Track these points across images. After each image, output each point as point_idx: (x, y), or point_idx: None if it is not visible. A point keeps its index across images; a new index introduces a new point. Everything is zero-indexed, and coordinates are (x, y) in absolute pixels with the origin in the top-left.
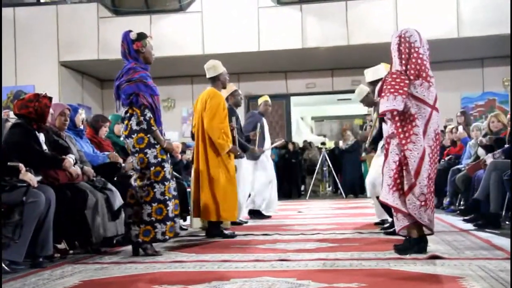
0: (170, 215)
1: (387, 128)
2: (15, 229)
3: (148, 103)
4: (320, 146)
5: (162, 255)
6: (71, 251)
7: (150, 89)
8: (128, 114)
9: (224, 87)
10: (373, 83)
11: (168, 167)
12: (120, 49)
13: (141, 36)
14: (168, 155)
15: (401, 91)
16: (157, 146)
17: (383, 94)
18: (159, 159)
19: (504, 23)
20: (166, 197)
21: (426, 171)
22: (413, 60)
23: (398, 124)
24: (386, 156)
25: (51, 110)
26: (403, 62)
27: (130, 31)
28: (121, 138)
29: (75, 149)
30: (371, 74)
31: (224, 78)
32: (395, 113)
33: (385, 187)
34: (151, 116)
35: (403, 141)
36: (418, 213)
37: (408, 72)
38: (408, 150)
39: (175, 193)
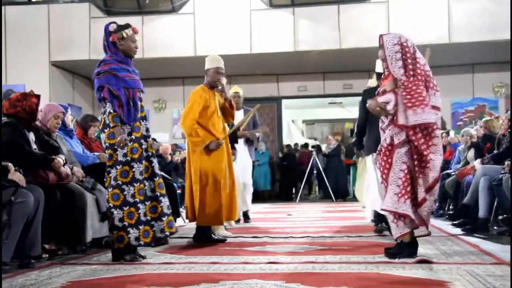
0: (143, 218)
1: (389, 136)
2: (3, 229)
3: (115, 96)
4: (310, 149)
5: (141, 261)
6: (59, 252)
7: (122, 81)
8: (104, 109)
9: (212, 87)
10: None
11: (138, 167)
12: (102, 40)
13: (120, 28)
14: (145, 154)
15: (425, 102)
16: (129, 144)
17: (409, 105)
18: (128, 158)
19: (495, 29)
20: (137, 199)
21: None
22: (418, 71)
23: (420, 135)
24: (390, 167)
25: (40, 108)
26: (411, 73)
27: (112, 22)
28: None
29: (65, 149)
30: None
31: (210, 77)
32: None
33: (392, 196)
34: (111, 111)
35: (425, 152)
36: (429, 217)
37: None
38: (432, 160)
39: (151, 194)
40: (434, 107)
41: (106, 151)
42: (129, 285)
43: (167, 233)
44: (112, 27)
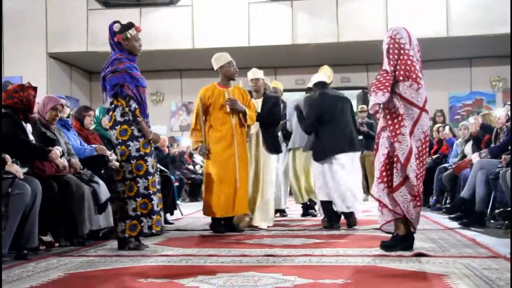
0: (156, 209)
1: (380, 122)
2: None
3: (133, 94)
4: None
5: (143, 249)
6: (56, 244)
7: (135, 80)
8: (113, 106)
9: (230, 79)
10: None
11: (151, 161)
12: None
13: (124, 28)
14: (152, 149)
15: (382, 87)
16: (140, 140)
17: (369, 94)
18: (142, 152)
19: (492, 23)
20: (150, 191)
21: (413, 172)
22: (403, 61)
23: (390, 122)
24: (377, 150)
25: (38, 100)
26: (391, 63)
27: (116, 22)
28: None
29: (63, 141)
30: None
31: (226, 71)
32: (386, 111)
33: (375, 180)
34: (136, 107)
35: (393, 139)
36: (407, 207)
37: (397, 73)
38: (396, 147)
39: (159, 187)
40: (405, 99)
41: (118, 147)
42: (126, 277)
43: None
44: (117, 27)
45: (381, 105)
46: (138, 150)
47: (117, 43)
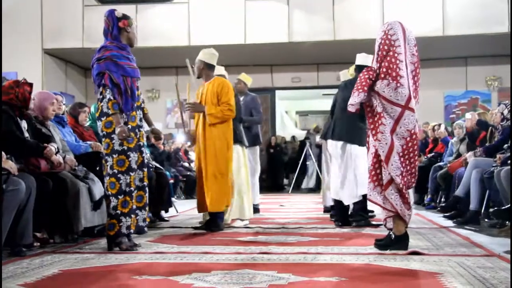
0: (134, 207)
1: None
2: None
3: (115, 83)
4: (304, 140)
5: (137, 250)
6: (51, 240)
7: (122, 69)
8: (101, 96)
9: (199, 76)
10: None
11: (134, 156)
12: (103, 26)
13: (127, 16)
14: (142, 143)
15: (359, 87)
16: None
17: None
18: (125, 147)
19: (488, 22)
20: (132, 188)
21: (396, 169)
22: (388, 59)
23: (370, 120)
24: (368, 148)
25: (33, 96)
26: (379, 59)
27: (115, 9)
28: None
29: (58, 138)
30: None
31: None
32: (368, 109)
33: (367, 180)
34: (111, 98)
35: (374, 137)
36: (400, 205)
37: (380, 70)
38: (376, 145)
39: (139, 184)
40: (383, 97)
41: (103, 140)
42: (121, 274)
43: (147, 223)
44: (119, 14)
45: (364, 104)
46: (121, 144)
47: (119, 30)
